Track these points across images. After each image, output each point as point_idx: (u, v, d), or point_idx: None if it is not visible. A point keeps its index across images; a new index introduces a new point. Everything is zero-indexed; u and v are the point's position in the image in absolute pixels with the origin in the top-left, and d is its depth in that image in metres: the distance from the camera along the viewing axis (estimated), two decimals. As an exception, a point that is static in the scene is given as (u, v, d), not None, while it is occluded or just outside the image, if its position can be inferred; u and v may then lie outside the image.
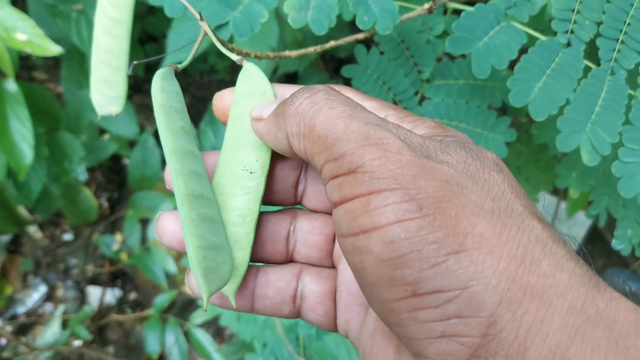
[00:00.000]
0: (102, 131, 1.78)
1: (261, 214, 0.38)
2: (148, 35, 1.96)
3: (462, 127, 0.56)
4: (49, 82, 1.98)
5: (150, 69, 2.04)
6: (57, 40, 1.56)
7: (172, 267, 1.57)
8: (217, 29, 0.47)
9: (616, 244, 0.67)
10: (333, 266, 0.39)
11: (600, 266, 1.79)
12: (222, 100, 0.39)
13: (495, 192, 0.27)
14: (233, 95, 0.38)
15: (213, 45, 0.47)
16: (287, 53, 0.41)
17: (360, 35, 0.48)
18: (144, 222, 1.62)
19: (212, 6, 0.47)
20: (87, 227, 1.86)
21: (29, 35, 1.06)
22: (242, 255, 0.36)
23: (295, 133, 0.31)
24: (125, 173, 1.95)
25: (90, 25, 1.44)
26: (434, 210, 0.25)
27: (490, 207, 0.26)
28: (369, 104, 0.36)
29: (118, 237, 1.62)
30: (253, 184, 0.36)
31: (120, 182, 1.97)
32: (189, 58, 0.39)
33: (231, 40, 0.60)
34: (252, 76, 0.38)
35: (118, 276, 1.81)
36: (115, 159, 1.97)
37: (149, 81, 1.86)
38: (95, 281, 1.81)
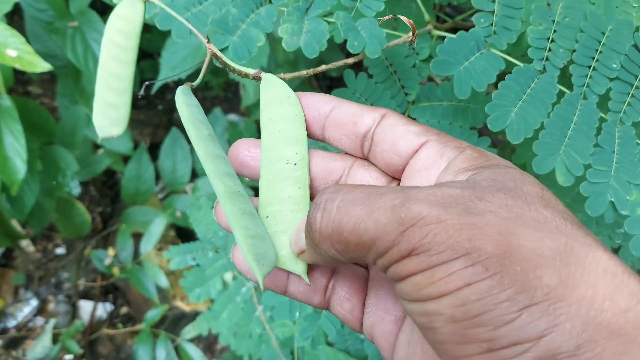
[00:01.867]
0: (97, 146, 1.80)
1: None
2: (143, 52, 1.99)
3: (446, 146, 0.59)
4: (44, 97, 2.00)
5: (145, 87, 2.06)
6: (52, 56, 1.59)
7: (163, 281, 1.59)
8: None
9: None
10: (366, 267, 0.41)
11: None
12: (236, 150, 0.42)
13: (549, 230, 0.28)
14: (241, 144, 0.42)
15: (178, 29, 0.50)
16: (281, 76, 0.44)
17: (350, 60, 0.51)
18: (137, 237, 1.64)
19: (214, 32, 0.50)
20: (80, 241, 1.86)
21: (19, 52, 1.08)
22: None
23: (336, 252, 0.32)
24: (119, 187, 1.96)
25: (85, 41, 1.46)
26: (499, 268, 0.26)
27: (551, 252, 0.27)
28: (412, 128, 0.38)
29: (110, 251, 1.63)
30: (299, 174, 0.40)
31: (114, 197, 1.98)
32: (200, 77, 0.42)
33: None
34: (273, 84, 0.41)
35: (110, 290, 1.82)
36: (109, 173, 1.99)
37: (143, 97, 1.88)
38: (86, 295, 1.82)
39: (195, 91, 0.45)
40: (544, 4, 0.54)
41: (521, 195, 0.30)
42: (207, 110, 2.07)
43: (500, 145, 0.75)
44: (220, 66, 0.43)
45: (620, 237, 0.70)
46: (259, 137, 0.41)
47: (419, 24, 0.66)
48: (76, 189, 1.59)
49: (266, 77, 0.42)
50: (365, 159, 0.41)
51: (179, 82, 1.60)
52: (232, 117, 1.95)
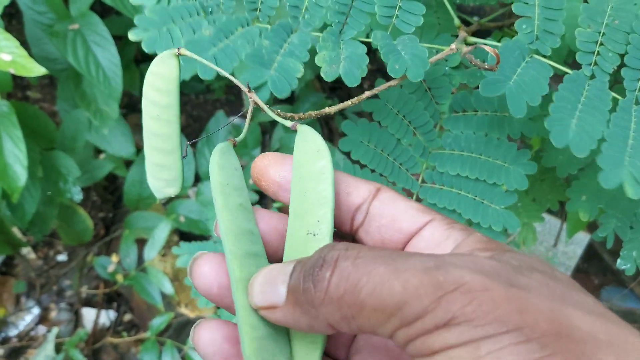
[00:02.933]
0: (98, 151, 1.76)
1: None
2: (144, 54, 1.95)
3: (483, 159, 0.55)
4: (43, 102, 1.95)
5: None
6: (52, 60, 1.55)
7: (168, 288, 1.55)
8: (255, 89, 0.46)
9: (621, 263, 0.67)
10: None
11: (596, 284, 1.79)
12: (263, 160, 0.37)
13: (597, 315, 0.26)
14: (271, 157, 0.37)
15: (203, 68, 0.47)
16: (326, 110, 0.41)
17: (393, 82, 0.47)
18: (140, 243, 1.60)
19: (249, 68, 0.46)
20: (82, 247, 1.82)
21: (13, 56, 1.03)
22: None
23: (341, 319, 0.27)
24: (121, 192, 1.92)
25: (86, 44, 1.42)
26: (558, 348, 0.23)
27: (606, 336, 0.25)
28: (414, 205, 0.34)
29: (114, 258, 1.59)
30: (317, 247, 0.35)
31: (116, 202, 1.94)
32: (244, 131, 0.39)
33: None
34: (307, 139, 0.37)
35: (112, 297, 1.78)
36: (111, 178, 1.95)
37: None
38: (89, 303, 1.78)
39: (196, 95, 0.42)
40: (591, 5, 0.50)
41: (557, 278, 0.27)
42: (210, 114, 2.02)
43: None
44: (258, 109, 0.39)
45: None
46: (263, 139, 0.38)
47: (449, 29, 0.62)
48: (78, 195, 1.55)
49: (302, 129, 0.38)
50: (351, 234, 0.36)
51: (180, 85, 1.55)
52: (235, 120, 1.90)
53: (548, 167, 0.68)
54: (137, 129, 1.91)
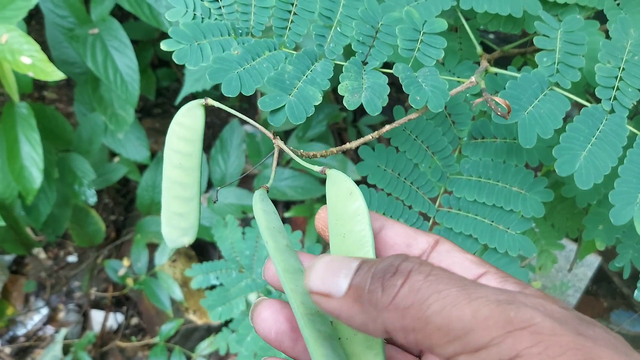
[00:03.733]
0: (113, 154, 1.78)
1: None
2: (160, 60, 1.97)
3: (500, 185, 0.56)
4: (59, 103, 1.98)
5: (160, 93, 2.04)
6: (71, 64, 1.57)
7: (178, 294, 1.56)
8: (272, 113, 0.47)
9: (638, 295, 0.68)
10: None
11: (605, 307, 1.78)
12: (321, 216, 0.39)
13: None
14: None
15: (228, 87, 0.49)
16: (347, 145, 0.42)
17: (413, 115, 0.48)
18: (152, 247, 1.61)
19: (270, 91, 0.47)
20: (93, 249, 1.84)
21: (33, 59, 1.05)
22: None
23: (401, 328, 0.27)
24: (133, 196, 1.94)
25: (105, 49, 1.44)
26: None
27: None
28: (469, 257, 0.35)
29: (125, 262, 1.61)
30: None
31: (127, 205, 1.96)
32: (271, 178, 0.41)
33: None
34: (337, 182, 0.39)
35: (121, 301, 1.79)
36: (123, 181, 1.97)
37: (159, 105, 1.85)
38: (97, 305, 1.79)
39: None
40: (611, 41, 0.51)
41: (614, 335, 0.27)
42: (224, 121, 2.04)
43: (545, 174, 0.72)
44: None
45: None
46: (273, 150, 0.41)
47: (471, 55, 0.63)
48: (92, 198, 1.57)
49: (331, 174, 0.39)
50: None
51: (198, 95, 1.57)
52: (248, 127, 1.92)
53: (569, 197, 0.69)
54: (151, 133, 1.93)
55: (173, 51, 0.48)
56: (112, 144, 1.61)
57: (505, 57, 0.69)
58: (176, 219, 0.42)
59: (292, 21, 0.51)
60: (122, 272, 1.59)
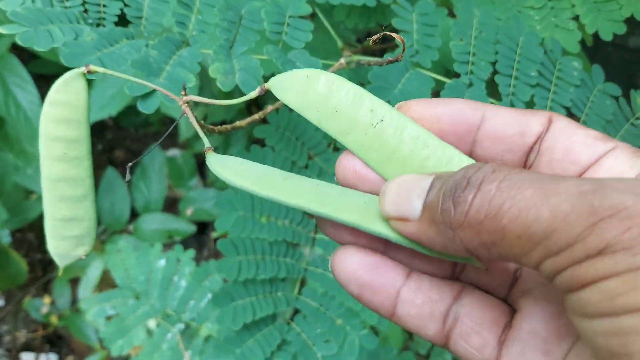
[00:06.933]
0: (29, 192, 1.67)
1: None
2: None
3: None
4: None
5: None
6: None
7: (104, 327, 1.47)
8: (143, 97, 0.42)
9: None
10: (506, 302, 0.31)
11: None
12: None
13: None
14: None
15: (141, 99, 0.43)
16: (237, 124, 0.39)
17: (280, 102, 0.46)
18: (74, 282, 1.52)
19: (135, 75, 0.42)
20: (19, 290, 1.71)
21: None
22: None
23: (479, 245, 0.24)
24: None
25: (5, 86, 1.35)
26: None
27: None
28: (592, 133, 0.30)
29: (46, 299, 1.50)
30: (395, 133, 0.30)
31: (52, 242, 1.84)
32: (204, 139, 0.36)
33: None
34: (305, 88, 0.32)
35: (53, 340, 1.67)
36: (45, 218, 1.85)
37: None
38: (29, 347, 1.66)
39: (135, 128, 0.38)
40: (459, 20, 0.51)
41: None
42: (147, 148, 1.96)
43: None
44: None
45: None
46: (200, 169, 0.34)
47: (334, 53, 0.61)
48: (6, 238, 1.46)
49: (276, 84, 0.32)
50: None
51: (116, 120, 1.50)
52: (174, 151, 1.85)
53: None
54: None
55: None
56: (25, 181, 1.51)
57: (367, 52, 0.68)
58: (65, 226, 0.34)
59: (146, 10, 0.47)
60: (44, 310, 1.48)
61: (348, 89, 0.30)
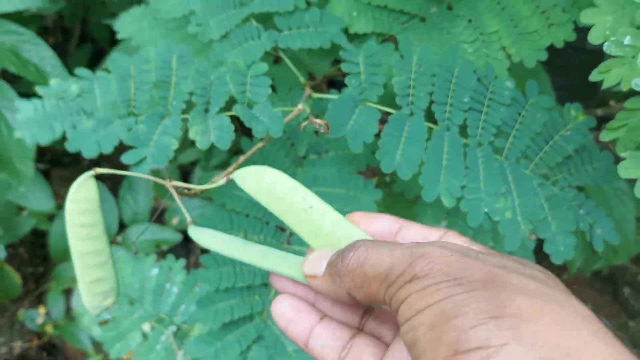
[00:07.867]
0: (20, 207, 1.71)
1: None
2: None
3: (338, 192, 0.61)
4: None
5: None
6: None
7: (97, 332, 1.51)
8: (136, 164, 0.51)
9: None
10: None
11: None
12: (353, 218, 0.41)
13: (539, 281, 0.30)
14: (358, 215, 0.41)
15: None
16: (215, 184, 0.45)
17: (260, 144, 0.55)
18: (68, 292, 1.56)
19: (131, 149, 0.51)
20: (13, 303, 1.75)
21: None
22: None
23: (354, 287, 0.34)
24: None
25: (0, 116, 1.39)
26: (480, 287, 0.28)
27: (532, 289, 0.28)
28: (462, 239, 0.38)
29: (41, 310, 1.55)
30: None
31: (45, 256, 1.88)
32: (186, 215, 0.45)
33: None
34: (268, 188, 0.41)
35: (48, 350, 1.72)
36: (39, 233, 1.89)
37: (67, 154, 1.79)
38: (24, 358, 1.71)
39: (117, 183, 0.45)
40: (402, 59, 0.57)
41: (518, 261, 0.32)
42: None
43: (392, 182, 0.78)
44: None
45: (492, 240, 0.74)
46: (184, 180, 0.43)
47: (298, 84, 0.68)
48: (2, 253, 1.50)
49: (241, 176, 0.41)
50: None
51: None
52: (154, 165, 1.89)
53: (397, 192, 0.75)
54: (63, 182, 1.86)
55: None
56: (17, 198, 1.55)
57: (331, 81, 0.75)
58: (95, 286, 0.43)
59: (134, 99, 0.55)
60: (40, 320, 1.53)
61: (287, 182, 0.40)
